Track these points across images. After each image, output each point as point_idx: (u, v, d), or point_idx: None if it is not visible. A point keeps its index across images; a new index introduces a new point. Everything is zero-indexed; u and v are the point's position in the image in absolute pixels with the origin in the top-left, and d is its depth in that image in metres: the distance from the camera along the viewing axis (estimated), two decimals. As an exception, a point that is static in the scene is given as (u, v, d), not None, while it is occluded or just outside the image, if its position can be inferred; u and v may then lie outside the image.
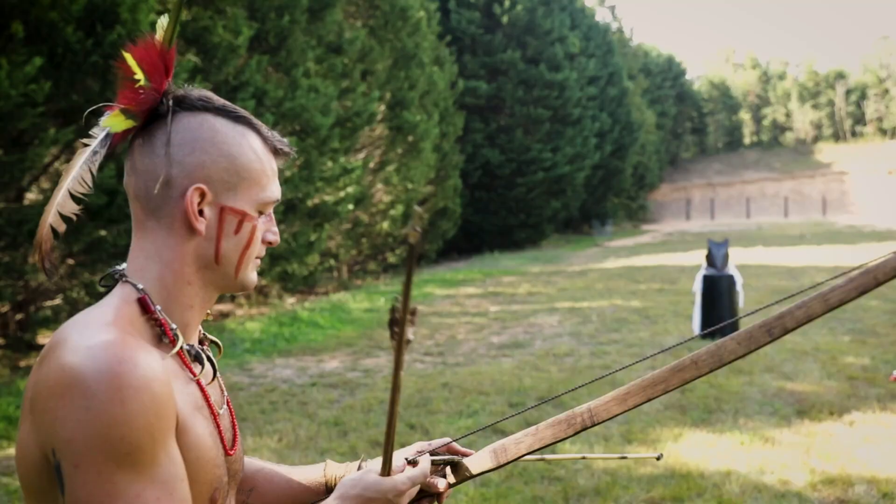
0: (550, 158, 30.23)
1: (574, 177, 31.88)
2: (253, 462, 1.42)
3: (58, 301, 9.82)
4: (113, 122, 1.14)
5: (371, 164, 18.04)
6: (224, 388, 1.24)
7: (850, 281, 1.13)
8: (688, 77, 77.21)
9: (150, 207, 1.12)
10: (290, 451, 5.63)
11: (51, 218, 1.13)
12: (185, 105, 1.14)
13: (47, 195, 8.33)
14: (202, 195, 1.11)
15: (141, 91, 1.12)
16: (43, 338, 10.72)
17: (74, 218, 1.15)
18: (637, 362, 1.26)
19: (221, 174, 1.12)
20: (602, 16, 46.80)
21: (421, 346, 9.90)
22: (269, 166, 1.18)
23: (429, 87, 21.07)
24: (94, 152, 1.15)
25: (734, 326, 9.47)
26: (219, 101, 1.16)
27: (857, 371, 7.60)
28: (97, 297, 9.48)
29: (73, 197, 1.14)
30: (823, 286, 1.15)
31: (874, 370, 7.62)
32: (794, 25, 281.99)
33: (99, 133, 1.16)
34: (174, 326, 1.11)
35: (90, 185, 1.15)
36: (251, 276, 1.20)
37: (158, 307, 1.11)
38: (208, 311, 1.22)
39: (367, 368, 8.58)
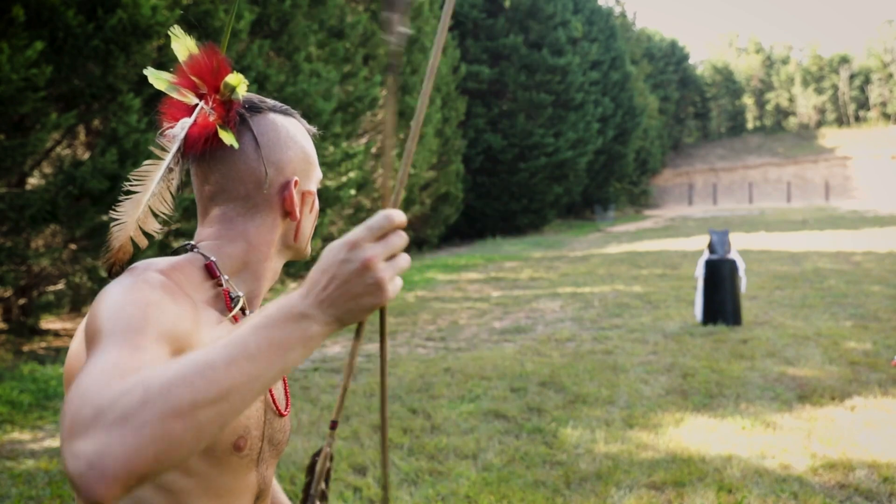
0: (553, 143, 30.17)
1: (576, 162, 31.81)
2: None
3: (60, 286, 9.84)
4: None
5: (373, 149, 18.00)
6: None
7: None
8: (691, 62, 76.84)
9: (247, 205, 1.22)
10: (293, 437, 5.65)
11: (132, 232, 1.20)
12: (254, 109, 1.24)
13: (49, 180, 8.32)
14: (295, 184, 1.24)
15: (224, 104, 1.20)
16: (46, 322, 10.74)
17: (155, 236, 1.24)
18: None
19: (301, 164, 1.26)
20: (604, 0, 46.58)
21: (423, 332, 9.92)
22: (315, 151, 1.32)
23: (431, 72, 20.98)
24: (170, 170, 1.21)
25: (736, 311, 9.49)
26: (266, 102, 1.27)
27: (858, 356, 7.61)
28: (99, 282, 9.50)
29: (154, 214, 1.21)
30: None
31: (876, 355, 7.62)
32: (798, 9, 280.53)
33: (170, 146, 1.21)
34: (240, 294, 1.20)
35: (171, 204, 1.23)
36: (310, 244, 1.33)
37: (226, 276, 1.19)
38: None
39: (370, 353, 8.60)
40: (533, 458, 5.03)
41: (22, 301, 9.88)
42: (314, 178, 1.29)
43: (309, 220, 1.29)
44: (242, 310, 1.21)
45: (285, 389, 1.31)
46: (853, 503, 4.24)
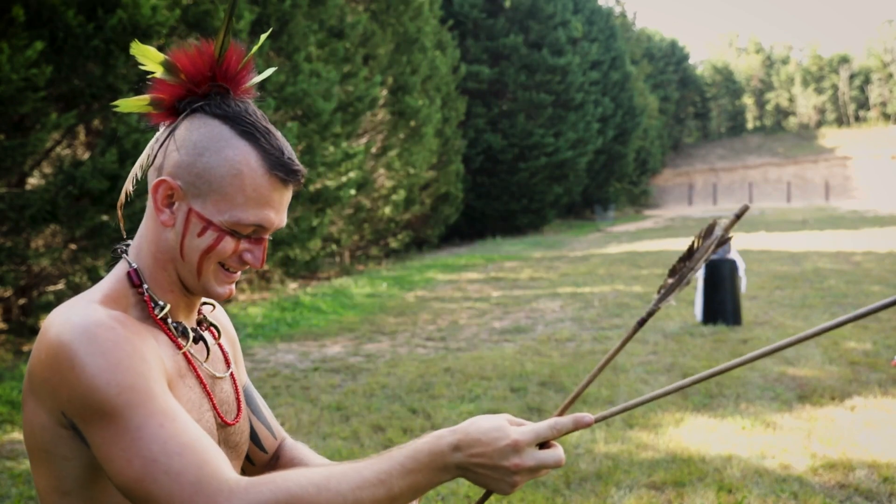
0: (553, 143, 30.16)
1: (576, 162, 31.81)
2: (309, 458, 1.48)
3: (60, 286, 9.83)
4: (126, 103, 1.21)
5: (373, 149, 18.00)
6: (231, 363, 1.33)
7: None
8: (691, 62, 76.83)
9: (147, 197, 1.19)
10: (293, 436, 5.63)
11: (124, 191, 1.25)
12: (206, 109, 1.16)
13: (49, 180, 8.32)
14: (170, 189, 1.15)
15: (172, 85, 1.18)
16: (46, 322, 10.76)
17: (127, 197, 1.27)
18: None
19: (193, 178, 1.14)
20: (605, 0, 46.60)
21: (423, 332, 9.92)
22: (253, 189, 1.14)
23: (431, 72, 20.99)
24: (157, 140, 1.22)
25: (736, 311, 9.49)
26: (235, 110, 1.16)
27: (858, 356, 7.61)
28: (99, 281, 9.55)
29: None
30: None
31: (875, 355, 7.62)
32: (798, 9, 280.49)
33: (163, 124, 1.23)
34: (161, 303, 1.18)
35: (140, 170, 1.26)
36: (214, 285, 1.20)
37: (146, 286, 1.18)
38: (201, 309, 1.30)
39: (369, 353, 8.60)
40: (533, 458, 5.03)
41: (22, 301, 9.88)
42: (217, 210, 1.14)
43: (194, 243, 1.15)
44: (165, 320, 1.18)
45: (237, 396, 1.31)
46: (853, 503, 4.24)
